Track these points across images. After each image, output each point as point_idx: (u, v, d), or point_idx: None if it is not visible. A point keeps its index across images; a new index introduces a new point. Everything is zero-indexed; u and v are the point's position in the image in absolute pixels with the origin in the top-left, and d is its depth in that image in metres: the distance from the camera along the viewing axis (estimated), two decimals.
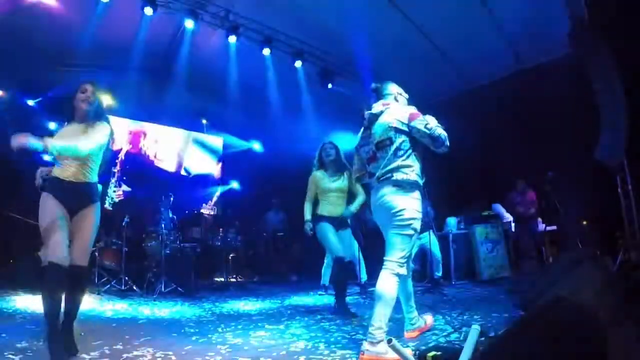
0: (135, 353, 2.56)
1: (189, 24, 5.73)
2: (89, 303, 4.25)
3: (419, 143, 2.55)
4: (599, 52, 4.52)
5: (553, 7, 5.15)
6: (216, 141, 9.14)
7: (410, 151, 2.52)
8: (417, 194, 2.51)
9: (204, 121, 8.78)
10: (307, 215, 4.05)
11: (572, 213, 5.51)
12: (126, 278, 5.16)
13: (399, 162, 2.49)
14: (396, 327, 3.31)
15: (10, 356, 2.38)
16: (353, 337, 3.02)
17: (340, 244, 3.92)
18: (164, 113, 8.02)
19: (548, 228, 5.86)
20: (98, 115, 2.62)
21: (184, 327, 3.45)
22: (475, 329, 1.97)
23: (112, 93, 6.24)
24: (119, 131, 7.10)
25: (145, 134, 8.33)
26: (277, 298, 5.34)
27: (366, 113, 2.70)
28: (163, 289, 5.05)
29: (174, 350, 2.62)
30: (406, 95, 2.85)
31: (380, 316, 2.35)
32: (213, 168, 9.08)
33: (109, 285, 5.10)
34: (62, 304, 2.36)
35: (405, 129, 2.52)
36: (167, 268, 5.20)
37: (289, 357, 2.52)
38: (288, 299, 5.28)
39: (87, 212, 2.53)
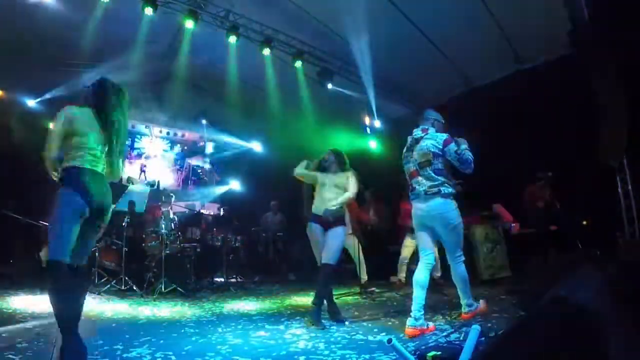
0: (135, 353, 2.56)
1: (189, 24, 5.73)
2: (89, 303, 4.24)
3: (450, 163, 3.13)
4: (599, 52, 4.52)
5: (553, 7, 5.16)
6: None
7: (445, 170, 3.12)
8: (455, 203, 3.19)
9: (204, 121, 8.79)
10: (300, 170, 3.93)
11: (572, 213, 5.51)
12: (126, 278, 5.15)
13: (442, 179, 3.09)
14: (396, 327, 3.32)
15: (10, 356, 2.37)
16: (353, 337, 3.02)
17: (326, 248, 3.66)
18: (163, 113, 8.03)
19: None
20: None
21: (184, 327, 3.44)
22: (475, 329, 1.97)
23: None
24: None
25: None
26: (277, 298, 5.34)
27: (409, 138, 3.27)
28: (163, 289, 5.03)
29: (174, 350, 2.62)
30: (443, 121, 3.33)
31: (468, 293, 3.25)
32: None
33: (109, 285, 5.09)
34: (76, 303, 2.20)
35: (440, 153, 3.08)
36: (167, 268, 5.18)
37: (289, 357, 2.52)
38: (288, 299, 5.28)
39: None
